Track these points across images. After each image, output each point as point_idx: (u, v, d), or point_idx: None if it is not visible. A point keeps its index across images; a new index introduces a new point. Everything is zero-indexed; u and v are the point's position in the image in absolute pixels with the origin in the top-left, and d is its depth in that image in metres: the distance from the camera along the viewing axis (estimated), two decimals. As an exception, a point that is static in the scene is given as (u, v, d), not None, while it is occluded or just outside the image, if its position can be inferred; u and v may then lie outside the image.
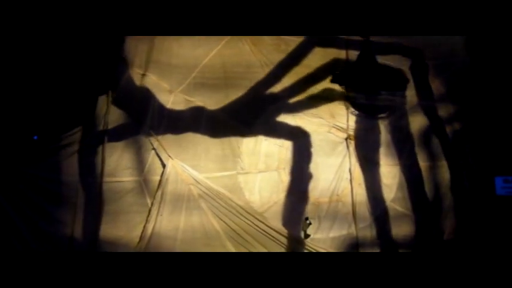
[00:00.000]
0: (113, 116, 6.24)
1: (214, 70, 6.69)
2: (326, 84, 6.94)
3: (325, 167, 6.83)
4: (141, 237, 6.02)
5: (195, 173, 6.30)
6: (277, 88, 6.84)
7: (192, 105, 6.58)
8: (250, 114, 6.72)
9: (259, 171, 6.64)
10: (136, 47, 6.36)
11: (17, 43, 5.96)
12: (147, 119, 6.33)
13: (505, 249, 6.13)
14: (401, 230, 6.78)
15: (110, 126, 6.21)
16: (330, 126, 6.94)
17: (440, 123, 7.14)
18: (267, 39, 6.83)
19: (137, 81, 6.38)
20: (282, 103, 6.83)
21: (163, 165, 6.26)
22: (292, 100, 6.87)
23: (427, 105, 7.15)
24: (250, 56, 6.77)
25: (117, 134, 6.25)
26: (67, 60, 6.23)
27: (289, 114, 6.84)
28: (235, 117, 6.65)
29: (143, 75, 6.41)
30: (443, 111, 7.18)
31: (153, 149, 6.30)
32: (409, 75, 7.15)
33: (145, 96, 6.37)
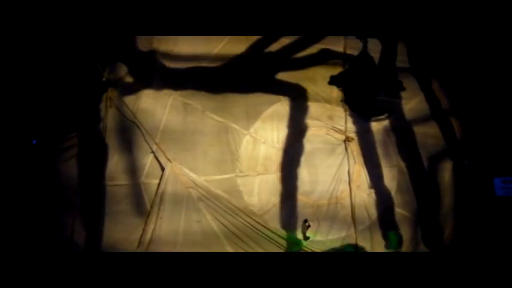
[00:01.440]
0: (112, 120, 6.27)
1: (213, 73, 6.71)
2: (324, 86, 6.94)
3: (324, 169, 6.82)
4: (140, 240, 6.04)
5: (194, 176, 6.32)
6: (275, 91, 6.85)
7: (191, 108, 6.59)
8: (249, 117, 6.73)
9: (258, 174, 6.65)
10: (135, 50, 6.39)
11: (16, 47, 5.99)
12: (147, 122, 6.35)
13: (505, 250, 6.11)
14: (400, 231, 6.76)
15: (109, 130, 6.24)
16: (328, 128, 6.94)
17: (438, 125, 7.13)
18: (265, 43, 6.84)
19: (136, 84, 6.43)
20: (280, 106, 6.84)
21: (162, 169, 6.28)
22: (290, 103, 6.88)
23: (425, 106, 7.14)
24: (248, 59, 6.78)
25: (117, 138, 6.27)
26: (66, 63, 6.27)
27: (287, 116, 6.85)
28: (234, 121, 6.66)
29: (142, 78, 6.43)
30: (441, 112, 7.17)
31: (152, 152, 6.33)
32: (408, 76, 7.14)
33: (145, 99, 6.40)
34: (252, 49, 6.79)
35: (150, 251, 5.99)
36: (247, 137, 6.69)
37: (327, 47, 6.95)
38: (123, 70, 6.37)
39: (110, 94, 6.26)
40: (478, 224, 6.68)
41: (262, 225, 6.29)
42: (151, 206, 6.15)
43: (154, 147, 6.32)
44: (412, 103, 7.10)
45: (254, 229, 6.28)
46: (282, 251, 6.25)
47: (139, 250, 5.97)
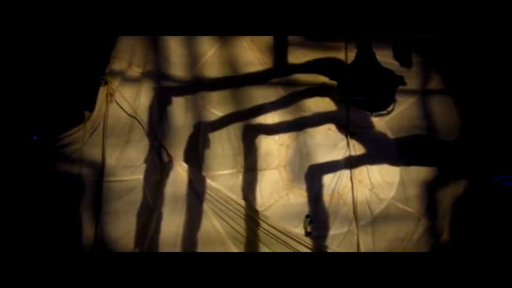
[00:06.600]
0: (112, 115, 6.22)
1: (213, 68, 6.67)
2: (326, 81, 6.89)
3: (326, 164, 6.80)
4: (141, 237, 6.00)
5: (195, 172, 6.27)
6: (276, 86, 6.81)
7: (192, 103, 6.55)
8: (250, 112, 6.69)
9: (260, 170, 6.61)
10: (134, 45, 6.34)
11: (15, 43, 5.95)
12: (148, 118, 6.32)
13: (506, 248, 6.12)
14: (402, 227, 6.76)
15: (110, 125, 6.18)
16: (330, 124, 6.90)
17: (441, 121, 7.10)
18: (265, 37, 6.79)
19: (136, 79, 6.38)
20: (281, 101, 6.80)
21: (164, 164, 6.23)
22: (292, 97, 6.84)
23: (427, 102, 7.11)
24: (248, 54, 6.75)
25: (117, 134, 6.22)
26: (66, 59, 6.24)
27: (288, 111, 6.81)
28: (235, 116, 6.63)
29: (142, 73, 6.39)
30: (443, 108, 7.14)
31: (153, 148, 6.28)
32: (410, 72, 7.08)
33: (145, 94, 6.36)
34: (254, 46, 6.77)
35: (150, 247, 5.96)
36: (249, 132, 6.65)
37: (329, 42, 6.90)
38: (123, 66, 6.32)
39: (110, 89, 6.20)
40: (479, 221, 6.69)
41: (263, 221, 6.26)
42: (152, 202, 6.12)
43: (155, 143, 6.27)
44: (414, 98, 7.08)
45: (255, 225, 6.26)
46: (284, 247, 6.22)
47: (139, 247, 5.94)
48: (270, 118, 6.76)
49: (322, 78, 6.91)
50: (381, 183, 6.85)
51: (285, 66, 6.86)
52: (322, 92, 6.91)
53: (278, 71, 6.83)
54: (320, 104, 6.92)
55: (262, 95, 6.77)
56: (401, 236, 6.73)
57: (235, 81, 6.71)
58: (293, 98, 6.87)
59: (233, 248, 6.21)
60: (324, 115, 6.91)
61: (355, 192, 6.76)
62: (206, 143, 6.52)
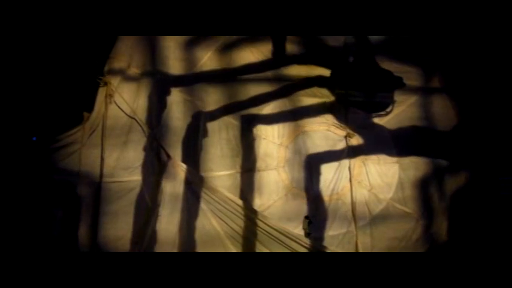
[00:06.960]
0: (111, 116, 6.23)
1: (213, 68, 6.67)
2: (324, 82, 6.90)
3: (325, 165, 6.80)
4: (140, 238, 6.01)
5: (194, 173, 6.28)
6: (275, 86, 6.84)
7: (191, 104, 6.57)
8: (249, 112, 6.71)
9: (259, 170, 6.63)
10: (133, 46, 6.35)
11: (15, 44, 5.97)
12: (147, 119, 6.34)
13: (503, 249, 6.12)
14: (400, 228, 6.75)
15: (109, 126, 6.20)
16: (329, 125, 6.92)
17: (440, 122, 7.10)
18: (265, 40, 6.83)
19: (135, 80, 6.39)
20: (280, 101, 6.83)
21: (163, 165, 6.24)
22: (291, 98, 6.86)
23: (427, 103, 7.11)
24: (248, 54, 6.78)
25: (116, 134, 6.24)
26: (65, 60, 6.25)
27: (288, 112, 6.84)
28: (234, 117, 6.65)
29: (141, 74, 6.40)
30: (442, 109, 7.14)
31: (152, 149, 6.29)
32: (410, 73, 7.08)
33: (144, 96, 6.37)
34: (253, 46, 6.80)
35: (150, 247, 5.98)
36: (248, 133, 6.67)
37: (327, 43, 6.91)
38: (122, 66, 6.33)
39: (109, 91, 6.21)
40: (480, 223, 6.68)
41: (262, 221, 6.24)
42: (151, 203, 6.13)
43: (154, 144, 6.29)
44: (413, 99, 7.08)
45: (254, 226, 6.25)
46: (283, 247, 6.22)
47: (138, 247, 5.95)
48: (269, 119, 6.78)
49: (322, 80, 6.92)
50: (379, 184, 6.84)
51: (284, 68, 6.89)
52: (321, 93, 6.93)
53: (277, 73, 6.86)
54: (319, 105, 6.93)
55: (261, 96, 6.79)
56: (399, 237, 6.71)
57: (233, 82, 6.74)
58: (293, 100, 6.90)
59: (232, 248, 6.21)
60: (323, 116, 6.92)
61: (354, 193, 6.76)
62: (205, 144, 6.53)
